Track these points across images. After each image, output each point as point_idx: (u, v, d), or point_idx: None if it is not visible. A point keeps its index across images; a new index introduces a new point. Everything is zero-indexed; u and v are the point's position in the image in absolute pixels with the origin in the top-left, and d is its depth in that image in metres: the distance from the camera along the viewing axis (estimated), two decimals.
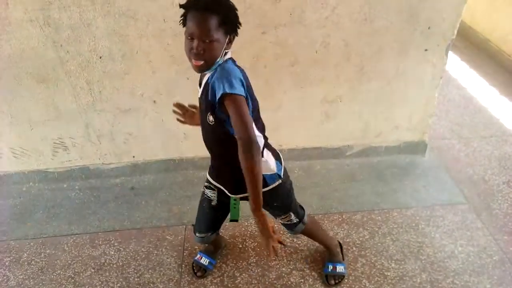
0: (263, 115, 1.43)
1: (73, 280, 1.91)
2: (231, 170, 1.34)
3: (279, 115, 2.31)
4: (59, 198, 2.39)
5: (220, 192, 1.57)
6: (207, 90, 1.27)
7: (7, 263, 2.01)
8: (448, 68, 3.16)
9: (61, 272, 1.95)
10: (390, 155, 2.56)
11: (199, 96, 1.37)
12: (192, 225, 1.80)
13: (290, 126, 2.39)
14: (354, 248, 1.97)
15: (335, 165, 2.52)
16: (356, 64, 2.19)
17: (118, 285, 1.87)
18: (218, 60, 1.26)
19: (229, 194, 1.51)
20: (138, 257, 2.00)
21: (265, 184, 1.42)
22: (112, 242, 2.09)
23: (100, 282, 1.89)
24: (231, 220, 1.53)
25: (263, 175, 1.38)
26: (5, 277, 1.94)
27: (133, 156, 2.46)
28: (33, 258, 2.03)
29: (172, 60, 2.08)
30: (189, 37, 1.22)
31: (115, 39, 2.00)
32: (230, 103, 1.19)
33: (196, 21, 1.20)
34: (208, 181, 1.61)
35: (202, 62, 1.23)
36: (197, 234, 1.75)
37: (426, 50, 2.16)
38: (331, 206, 2.22)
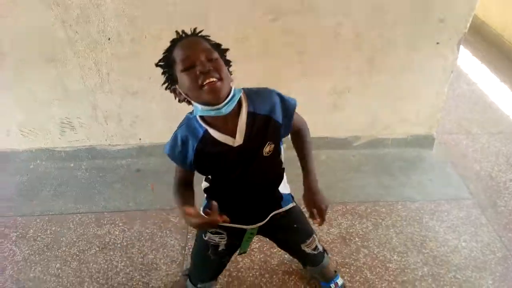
0: None
1: (77, 257, 1.94)
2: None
3: None
4: (66, 177, 2.42)
5: (231, 234, 1.40)
6: (261, 122, 1.15)
7: (13, 238, 2.05)
8: (459, 62, 3.12)
9: (66, 249, 1.98)
10: (397, 147, 2.54)
11: (240, 144, 1.15)
12: (186, 274, 1.62)
13: None
14: (357, 239, 1.98)
15: (341, 155, 2.51)
16: (366, 55, 2.16)
17: (122, 264, 1.90)
18: (231, 83, 1.08)
19: (248, 227, 1.38)
20: (142, 238, 2.02)
21: (281, 205, 1.38)
22: (117, 222, 2.11)
23: (104, 261, 1.92)
24: (240, 253, 1.47)
25: (281, 194, 1.36)
26: (11, 252, 1.98)
27: (140, 139, 2.47)
28: (39, 234, 2.06)
29: None
30: (186, 69, 1.03)
31: (124, 21, 1.99)
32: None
33: (189, 46, 1.05)
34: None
35: (218, 82, 1.01)
36: (198, 286, 1.53)
37: (437, 43, 2.14)
38: (335, 196, 2.22)
